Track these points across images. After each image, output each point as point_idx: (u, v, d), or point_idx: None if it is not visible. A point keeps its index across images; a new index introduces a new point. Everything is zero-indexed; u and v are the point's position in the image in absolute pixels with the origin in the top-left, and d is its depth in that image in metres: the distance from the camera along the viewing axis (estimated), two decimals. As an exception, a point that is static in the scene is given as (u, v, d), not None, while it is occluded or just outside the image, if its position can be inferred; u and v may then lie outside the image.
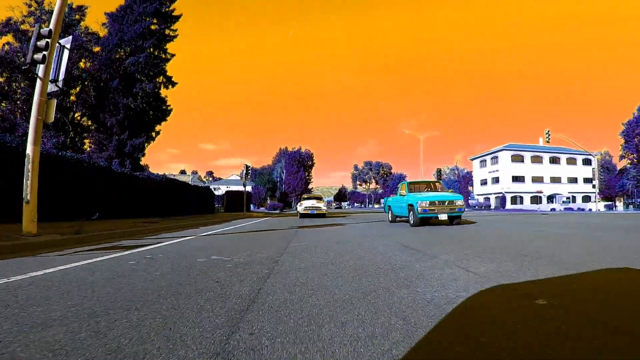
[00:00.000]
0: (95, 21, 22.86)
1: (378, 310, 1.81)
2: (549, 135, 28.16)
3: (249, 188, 53.72)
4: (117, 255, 4.12)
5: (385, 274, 2.80)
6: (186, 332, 1.51)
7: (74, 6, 21.12)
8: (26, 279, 2.73)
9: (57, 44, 6.33)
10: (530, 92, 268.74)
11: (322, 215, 17.67)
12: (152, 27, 16.86)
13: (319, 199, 19.40)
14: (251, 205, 42.40)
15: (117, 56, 16.55)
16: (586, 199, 64.65)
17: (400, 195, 10.87)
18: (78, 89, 17.16)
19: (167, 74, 17.12)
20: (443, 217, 9.18)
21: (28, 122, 20.17)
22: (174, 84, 17.50)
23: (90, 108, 16.05)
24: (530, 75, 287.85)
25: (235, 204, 27.64)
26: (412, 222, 9.48)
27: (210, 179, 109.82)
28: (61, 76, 6.37)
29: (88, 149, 16.51)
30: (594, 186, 33.38)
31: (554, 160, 63.68)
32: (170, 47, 18.82)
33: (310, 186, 77.63)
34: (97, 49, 18.83)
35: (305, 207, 17.62)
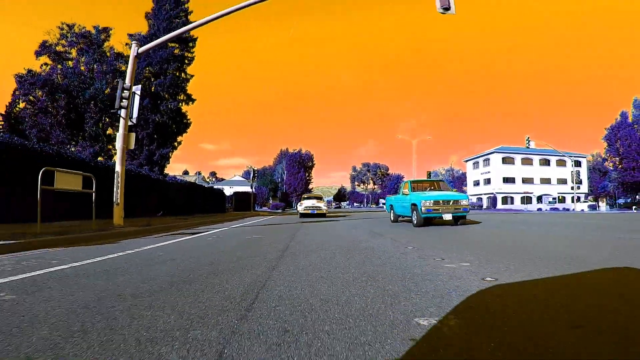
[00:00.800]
0: (119, 41, 25.26)
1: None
2: (529, 141, 30.82)
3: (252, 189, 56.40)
4: (193, 237, 6.76)
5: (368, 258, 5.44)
6: (259, 260, 4.09)
7: (100, 27, 23.82)
8: (145, 250, 5.38)
9: (133, 93, 8.98)
10: (531, 92, 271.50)
11: (323, 215, 17.78)
12: (175, 51, 19.60)
13: (320, 198, 19.39)
14: (255, 205, 44.99)
15: (145, 76, 19.23)
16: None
17: (403, 194, 10.56)
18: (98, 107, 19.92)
19: (187, 92, 19.95)
20: (448, 217, 8.93)
21: (64, 133, 22.86)
22: (193, 100, 20.20)
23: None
24: (531, 75, 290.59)
25: (243, 204, 30.34)
26: (415, 222, 9.16)
27: (214, 179, 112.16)
28: (135, 114, 8.99)
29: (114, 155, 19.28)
30: (572, 188, 35.99)
31: (544, 162, 66.30)
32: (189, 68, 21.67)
33: (310, 186, 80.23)
34: (124, 67, 21.50)
35: (306, 207, 17.70)
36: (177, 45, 20.14)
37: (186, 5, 21.93)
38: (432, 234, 6.69)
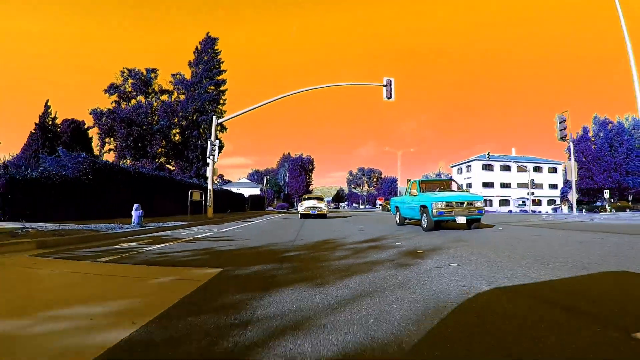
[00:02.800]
0: (164, 79, 31.87)
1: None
2: (489, 155, 38.13)
3: (258, 191, 63.83)
4: (251, 224, 14.14)
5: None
6: (293, 227, 11.38)
7: (150, 69, 31.26)
8: (230, 230, 12.82)
9: (214, 142, 16.39)
10: (532, 91, 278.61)
11: (323, 216, 18.08)
12: (214, 94, 27.06)
13: (320, 199, 19.65)
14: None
15: (191, 112, 26.65)
16: (551, 202, 75.49)
17: (411, 195, 9.79)
18: (162, 135, 27.30)
19: (222, 124, 27.36)
20: (461, 220, 8.19)
21: (130, 153, 31.08)
22: (225, 129, 27.62)
23: (174, 147, 26.24)
24: (532, 75, 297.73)
25: (256, 204, 37.76)
26: (425, 225, 8.34)
27: (220, 181, 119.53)
28: (216, 157, 16.39)
29: (173, 169, 26.64)
30: (528, 194, 43.30)
31: (521, 169, 73.73)
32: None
33: (310, 188, 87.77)
34: (177, 95, 28.96)
35: (306, 208, 18.00)
36: (213, 88, 27.59)
37: (219, 57, 29.39)
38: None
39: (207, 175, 16.16)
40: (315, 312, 2.02)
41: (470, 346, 1.53)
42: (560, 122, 16.68)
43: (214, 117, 16.98)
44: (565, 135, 17.32)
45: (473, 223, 8.67)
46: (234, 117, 17.30)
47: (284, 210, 46.04)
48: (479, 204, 8.53)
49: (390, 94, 16.88)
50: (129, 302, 2.24)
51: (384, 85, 16.85)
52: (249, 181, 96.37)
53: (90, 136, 71.92)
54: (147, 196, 13.37)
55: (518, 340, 1.58)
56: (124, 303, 2.21)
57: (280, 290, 2.54)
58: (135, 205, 8.97)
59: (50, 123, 72.23)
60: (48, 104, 70.41)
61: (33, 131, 65.57)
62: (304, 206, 18.21)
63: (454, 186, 10.57)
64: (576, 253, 4.35)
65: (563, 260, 3.74)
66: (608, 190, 37.39)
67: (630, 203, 43.71)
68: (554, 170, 78.51)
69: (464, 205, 8.32)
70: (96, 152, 32.22)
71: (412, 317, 1.92)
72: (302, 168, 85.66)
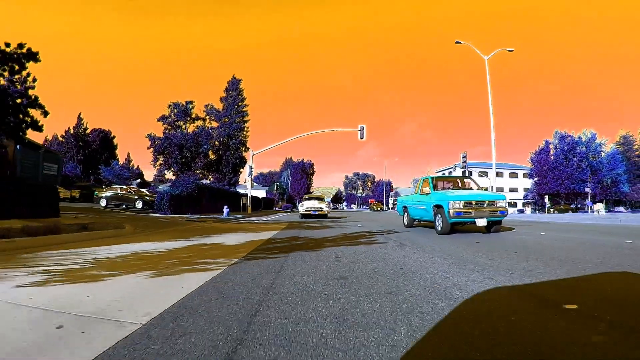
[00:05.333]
0: (199, 109, 41.05)
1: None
2: (465, 158, 47.52)
3: (264, 193, 73.35)
4: (283, 215, 23.61)
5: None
6: (313, 218, 20.81)
7: (188, 100, 40.79)
8: (272, 218, 22.37)
9: (251, 166, 25.95)
10: (533, 91, 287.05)
11: (324, 216, 18.10)
12: (240, 124, 36.56)
13: (321, 199, 19.69)
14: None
15: (225, 137, 36.20)
16: (525, 205, 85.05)
17: (423, 193, 8.66)
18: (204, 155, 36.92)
19: (247, 145, 36.89)
20: (482, 222, 7.14)
21: (178, 167, 42.07)
22: (248, 149, 37.05)
23: (210, 164, 35.87)
24: (532, 75, 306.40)
25: (267, 205, 47.31)
26: (440, 228, 7.41)
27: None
28: (253, 173, 25.91)
29: (210, 180, 36.16)
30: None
31: (498, 174, 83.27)
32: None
33: (311, 189, 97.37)
34: (209, 121, 38.58)
35: (307, 208, 18.16)
36: (240, 120, 37.14)
37: (243, 95, 38.95)
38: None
39: (247, 187, 25.63)
40: (323, 225, 11.51)
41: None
42: (462, 158, 26.10)
43: (250, 151, 26.43)
44: (466, 169, 26.81)
45: (494, 225, 7.71)
46: (265, 150, 26.85)
47: (289, 210, 55.61)
48: (502, 203, 7.59)
49: (363, 136, 26.38)
50: (274, 229, 11.75)
51: (359, 130, 26.37)
52: (255, 183, 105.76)
53: (115, 143, 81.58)
54: (216, 200, 22.94)
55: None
56: (268, 231, 11.72)
57: (309, 225, 12.02)
58: (225, 206, 18.49)
59: (82, 133, 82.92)
60: (81, 116, 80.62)
61: (61, 139, 75.95)
62: (304, 206, 18.59)
63: (470, 184, 9.58)
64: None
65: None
66: (547, 196, 46.73)
67: (571, 206, 52.89)
68: (529, 176, 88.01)
69: (485, 205, 7.40)
70: (129, 159, 41.41)
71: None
72: (303, 172, 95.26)
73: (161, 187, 26.39)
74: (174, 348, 1.57)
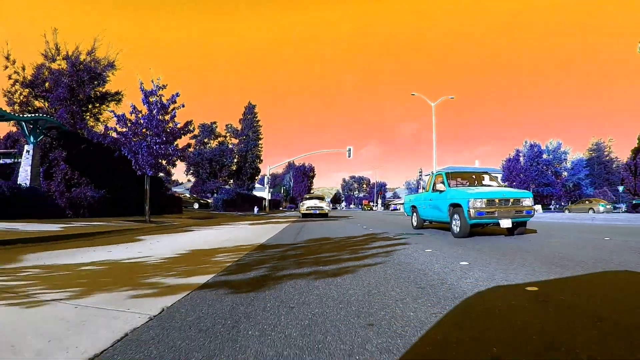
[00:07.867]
0: (221, 127, 50.73)
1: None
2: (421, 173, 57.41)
3: (265, 193, 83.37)
4: (291, 212, 33.36)
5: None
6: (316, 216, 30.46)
7: (213, 122, 50.62)
8: (280, 215, 32.21)
9: (269, 177, 35.75)
10: (535, 91, 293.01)
11: (325, 216, 17.71)
12: (256, 141, 46.48)
13: (321, 198, 19.53)
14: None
15: (243, 152, 46.05)
16: None
17: (436, 191, 7.73)
18: (227, 166, 46.73)
19: (261, 157, 46.66)
20: (506, 223, 6.26)
21: (206, 175, 52.53)
22: (261, 160, 46.78)
23: (231, 174, 45.80)
24: (533, 76, 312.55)
25: (274, 205, 57.12)
26: (457, 230, 6.54)
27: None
28: (269, 182, 35.68)
29: (230, 185, 45.81)
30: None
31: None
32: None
33: (311, 190, 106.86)
34: (230, 138, 48.43)
35: (308, 207, 18.00)
36: (255, 138, 47.00)
37: (257, 117, 48.84)
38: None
39: (265, 192, 35.36)
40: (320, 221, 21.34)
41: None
42: (419, 173, 35.68)
43: (267, 167, 36.18)
44: (420, 184, 36.43)
45: (518, 227, 6.72)
46: (279, 165, 36.51)
47: (293, 209, 65.50)
48: (528, 202, 6.62)
49: (350, 155, 36.21)
50: (288, 220, 21.54)
51: (347, 151, 36.20)
52: (260, 185, 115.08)
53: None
54: (244, 202, 32.82)
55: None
56: (284, 221, 21.52)
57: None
58: (255, 207, 28.32)
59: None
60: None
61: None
62: (305, 205, 18.45)
63: (488, 179, 8.19)
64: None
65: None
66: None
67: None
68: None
69: (510, 203, 6.44)
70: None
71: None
72: (304, 175, 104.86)
73: (178, 190, 36.16)
74: (303, 227, 11.32)
